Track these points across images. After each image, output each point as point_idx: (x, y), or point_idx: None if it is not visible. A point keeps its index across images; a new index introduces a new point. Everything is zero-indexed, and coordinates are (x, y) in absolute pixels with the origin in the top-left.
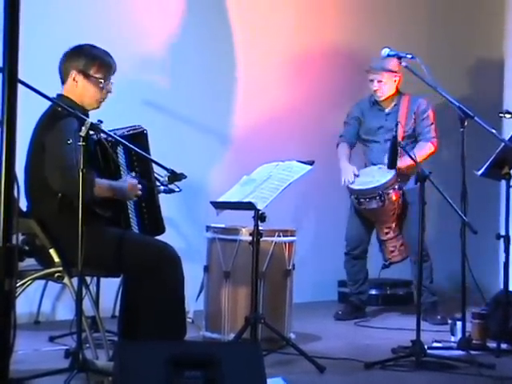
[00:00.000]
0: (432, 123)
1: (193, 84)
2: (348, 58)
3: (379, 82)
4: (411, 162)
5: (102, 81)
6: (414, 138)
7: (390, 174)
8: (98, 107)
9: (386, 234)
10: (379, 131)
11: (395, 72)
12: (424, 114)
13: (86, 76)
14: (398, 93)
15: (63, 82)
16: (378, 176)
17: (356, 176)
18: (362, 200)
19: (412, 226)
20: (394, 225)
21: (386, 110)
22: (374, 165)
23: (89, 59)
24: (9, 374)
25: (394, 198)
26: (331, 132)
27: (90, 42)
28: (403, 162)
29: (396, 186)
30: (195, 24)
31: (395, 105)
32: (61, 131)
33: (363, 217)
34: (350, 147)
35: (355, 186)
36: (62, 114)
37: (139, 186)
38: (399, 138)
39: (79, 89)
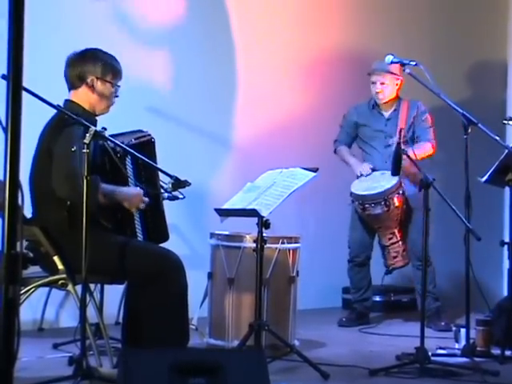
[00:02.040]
0: (431, 126)
1: (196, 90)
2: (351, 64)
3: (382, 84)
4: (420, 154)
5: (116, 86)
6: (413, 141)
7: (394, 179)
8: (107, 112)
9: (389, 239)
10: (378, 136)
11: (397, 75)
12: (423, 115)
13: (104, 82)
14: (398, 98)
15: (73, 87)
16: (382, 181)
17: (372, 170)
18: (366, 206)
19: (415, 231)
20: (397, 230)
21: (386, 115)
22: (373, 170)
23: (106, 65)
24: (13, 382)
25: (397, 203)
26: (335, 137)
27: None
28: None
29: (400, 191)
30: (197, 30)
31: (395, 110)
32: (67, 139)
33: (365, 223)
34: (348, 148)
35: (360, 192)
36: (68, 121)
37: (145, 199)
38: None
39: (94, 96)
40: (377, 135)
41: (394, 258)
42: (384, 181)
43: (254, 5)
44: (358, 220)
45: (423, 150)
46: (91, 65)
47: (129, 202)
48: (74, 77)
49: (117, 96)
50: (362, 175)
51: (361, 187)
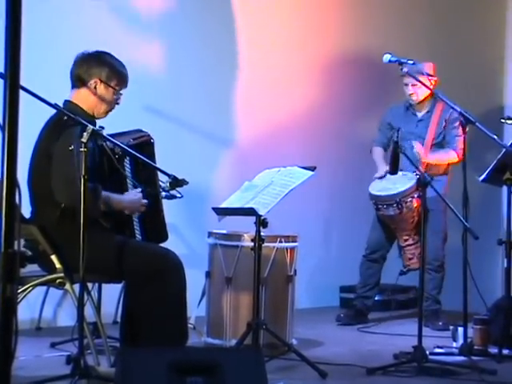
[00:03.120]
0: (461, 135)
1: (195, 90)
2: (350, 64)
3: (414, 85)
4: (437, 159)
5: (118, 93)
6: (442, 146)
7: (410, 183)
8: (104, 117)
9: (405, 240)
10: (409, 137)
11: (430, 76)
12: (455, 122)
13: (107, 87)
14: (433, 98)
15: (75, 86)
16: (398, 183)
17: (387, 173)
18: (379, 206)
19: (430, 233)
20: (413, 232)
21: (419, 116)
22: (401, 170)
23: (112, 70)
24: (10, 381)
25: (414, 205)
26: (333, 137)
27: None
28: (430, 157)
29: (416, 194)
30: (197, 28)
31: (428, 111)
32: (66, 140)
33: (384, 223)
34: (383, 150)
35: (375, 192)
36: (68, 123)
37: (144, 201)
38: (427, 145)
39: (95, 97)
40: (408, 137)
41: (410, 259)
42: (400, 183)
43: (255, 3)
44: (378, 220)
45: (446, 156)
46: (98, 67)
47: (129, 210)
48: (78, 76)
49: (117, 103)
50: (376, 178)
51: (377, 187)
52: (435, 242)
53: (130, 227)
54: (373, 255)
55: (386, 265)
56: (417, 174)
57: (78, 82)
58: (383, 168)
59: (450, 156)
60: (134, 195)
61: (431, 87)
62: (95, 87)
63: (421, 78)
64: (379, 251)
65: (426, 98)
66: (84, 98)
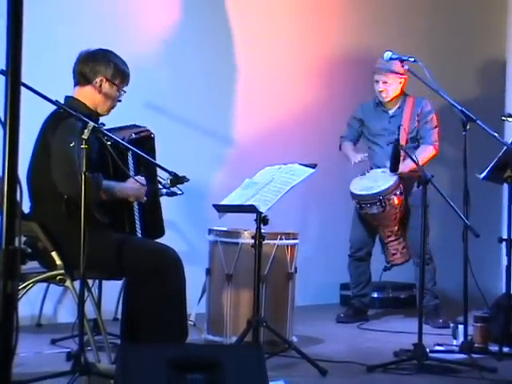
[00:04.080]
0: (436, 126)
1: (195, 87)
2: (350, 63)
3: (384, 83)
4: (413, 166)
5: (121, 91)
6: (417, 141)
7: (391, 180)
8: (107, 114)
9: (388, 236)
10: (382, 133)
11: (401, 74)
12: (428, 116)
13: (112, 85)
14: (403, 94)
15: (79, 84)
16: (380, 181)
17: (365, 157)
18: (363, 205)
19: (414, 229)
20: (396, 228)
21: (390, 112)
22: (379, 168)
23: (117, 68)
24: (11, 377)
25: (396, 202)
26: (333, 135)
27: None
28: (405, 166)
29: (398, 191)
30: (197, 26)
31: (399, 107)
32: (65, 132)
33: (366, 220)
34: (353, 144)
35: (356, 191)
36: (64, 115)
37: (144, 188)
38: (402, 142)
39: (101, 95)
40: (381, 133)
41: (393, 254)
42: (381, 181)
43: (256, 4)
44: (359, 217)
45: (425, 154)
46: (103, 65)
47: (134, 196)
48: (84, 73)
49: (119, 101)
50: (354, 163)
51: (358, 186)
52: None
53: (131, 222)
54: (358, 253)
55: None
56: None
57: (82, 79)
58: (356, 155)
59: (429, 152)
60: (138, 179)
61: (401, 84)
62: (100, 85)
63: (390, 76)
64: (364, 248)
65: (395, 95)
66: (88, 96)
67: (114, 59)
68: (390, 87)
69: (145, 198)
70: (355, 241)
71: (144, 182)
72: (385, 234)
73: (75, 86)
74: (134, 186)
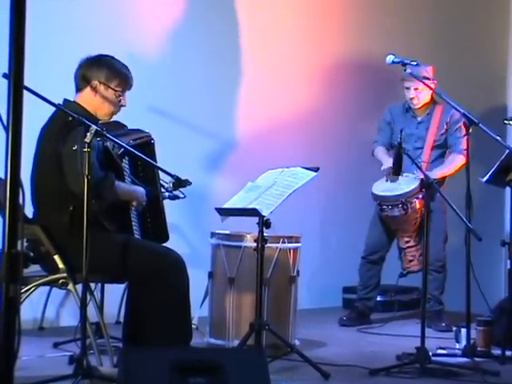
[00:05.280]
0: (465, 135)
1: (197, 89)
2: (352, 66)
3: (416, 89)
4: (443, 173)
5: (121, 95)
6: (444, 148)
7: (415, 183)
8: (109, 119)
9: (407, 242)
10: (409, 139)
11: (431, 79)
12: (456, 124)
13: (107, 88)
14: (433, 102)
15: (79, 89)
16: (403, 184)
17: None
18: (384, 207)
19: (431, 235)
20: (414, 234)
21: (419, 119)
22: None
23: (111, 72)
24: (13, 381)
25: (417, 206)
26: (336, 138)
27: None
28: (433, 174)
29: (420, 196)
30: (199, 29)
31: (428, 113)
32: (73, 143)
33: (385, 224)
34: (386, 149)
35: (379, 192)
36: (74, 124)
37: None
38: (428, 147)
39: (97, 99)
40: (407, 138)
41: (410, 261)
42: (404, 184)
43: (259, 7)
44: (379, 220)
45: (455, 163)
46: (95, 69)
47: (137, 201)
48: (79, 78)
49: (123, 105)
50: (383, 170)
51: (381, 188)
52: (436, 243)
53: (129, 227)
54: (372, 256)
55: (385, 266)
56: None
57: (80, 84)
58: (389, 161)
59: (458, 162)
60: (141, 188)
61: (431, 92)
62: (95, 88)
63: (418, 84)
64: (378, 252)
65: (426, 102)
66: (88, 100)
67: (108, 63)
68: (420, 94)
69: (143, 204)
70: (371, 243)
71: (144, 191)
72: (403, 239)
73: (76, 91)
74: (142, 190)
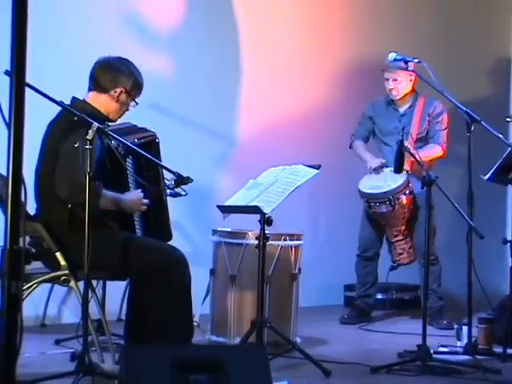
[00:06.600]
0: (445, 128)
1: (200, 87)
2: (353, 64)
3: (394, 80)
4: (425, 155)
5: (134, 101)
6: (425, 141)
7: (401, 179)
8: (115, 122)
9: (396, 236)
10: (392, 132)
11: (410, 70)
12: (438, 117)
13: (128, 96)
14: (414, 93)
15: (95, 89)
16: (389, 180)
17: (384, 165)
18: (372, 204)
19: (421, 229)
20: (403, 228)
21: (401, 111)
22: (387, 167)
23: (136, 81)
24: (15, 377)
25: (405, 201)
26: (338, 135)
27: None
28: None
29: (407, 191)
30: (201, 27)
31: (410, 106)
32: (74, 141)
33: (374, 220)
34: (364, 143)
35: (366, 190)
36: (79, 123)
37: (145, 201)
38: (412, 140)
39: (117, 104)
40: (391, 131)
41: (400, 254)
42: (391, 180)
43: (259, 8)
44: (367, 217)
45: (431, 152)
46: (126, 76)
47: (131, 208)
48: (102, 81)
49: (127, 109)
50: (371, 168)
51: (367, 185)
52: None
53: (131, 225)
54: (367, 253)
55: (380, 264)
56: (407, 171)
57: (98, 86)
58: (374, 159)
59: (435, 151)
60: (134, 194)
61: (411, 82)
62: (119, 95)
63: (400, 73)
64: (372, 248)
65: (406, 93)
66: (103, 103)
67: (134, 71)
68: (400, 84)
69: (144, 207)
70: (364, 240)
71: (141, 195)
72: (392, 233)
73: (90, 90)
74: (131, 197)
